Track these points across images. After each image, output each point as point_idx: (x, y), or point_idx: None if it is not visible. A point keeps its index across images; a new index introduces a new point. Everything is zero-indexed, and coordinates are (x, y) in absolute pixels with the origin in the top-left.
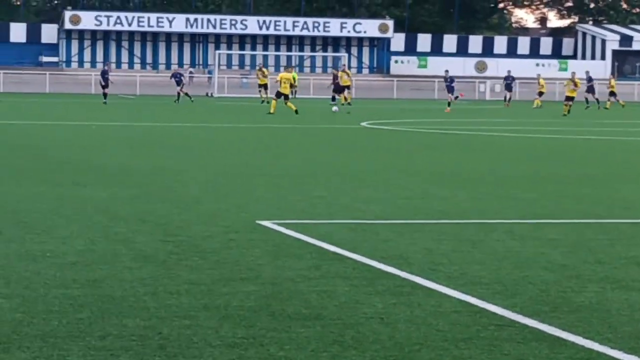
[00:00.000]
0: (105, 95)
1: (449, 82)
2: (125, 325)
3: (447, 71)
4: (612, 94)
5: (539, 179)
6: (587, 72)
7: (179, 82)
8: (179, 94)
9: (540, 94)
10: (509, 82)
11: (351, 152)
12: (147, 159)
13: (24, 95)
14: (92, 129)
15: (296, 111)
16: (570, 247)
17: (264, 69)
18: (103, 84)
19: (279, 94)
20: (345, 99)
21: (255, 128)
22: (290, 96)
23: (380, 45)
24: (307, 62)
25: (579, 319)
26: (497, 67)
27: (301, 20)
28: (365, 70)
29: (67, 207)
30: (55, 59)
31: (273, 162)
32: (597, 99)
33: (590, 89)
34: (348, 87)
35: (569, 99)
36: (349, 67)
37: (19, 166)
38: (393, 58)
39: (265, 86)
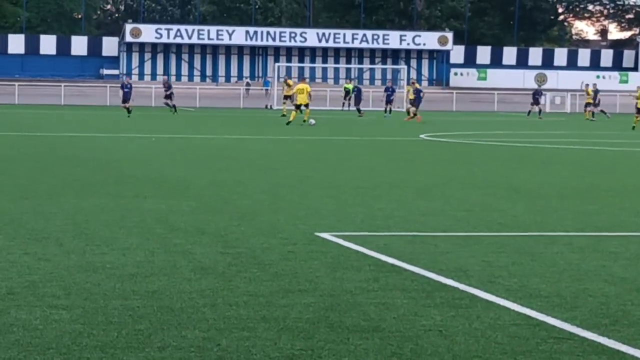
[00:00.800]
0: (129, 110)
1: (390, 92)
2: (185, 337)
3: (390, 80)
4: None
5: (599, 191)
6: (595, 85)
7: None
8: (167, 104)
9: (588, 104)
10: (537, 96)
11: (410, 164)
12: (206, 171)
13: (85, 108)
14: (152, 141)
15: (288, 123)
16: (631, 259)
17: (289, 80)
18: (124, 97)
19: (297, 106)
20: (408, 112)
21: (314, 140)
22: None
23: (439, 57)
24: (366, 75)
25: (639, 332)
26: (557, 79)
27: (360, 32)
28: (425, 83)
29: (127, 219)
30: (115, 72)
31: (332, 174)
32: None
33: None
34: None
35: None
36: (408, 80)
37: (81, 178)
38: (452, 70)
39: (290, 98)
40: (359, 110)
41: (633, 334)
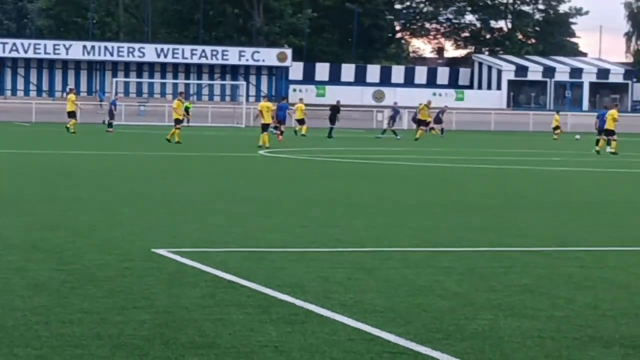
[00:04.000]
0: None
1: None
2: (16, 355)
3: (283, 98)
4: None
5: (434, 207)
6: (445, 107)
7: None
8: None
9: (420, 122)
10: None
11: (248, 181)
12: (42, 187)
13: None
14: None
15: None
16: (464, 275)
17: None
18: None
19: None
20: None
21: (153, 156)
22: (184, 124)
23: (278, 73)
24: (205, 91)
25: (472, 346)
26: (395, 96)
27: (199, 48)
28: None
29: None
30: None
31: (170, 190)
32: (442, 129)
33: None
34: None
35: (610, 132)
36: (247, 96)
37: None
38: (291, 87)
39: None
40: (109, 125)
41: (466, 348)
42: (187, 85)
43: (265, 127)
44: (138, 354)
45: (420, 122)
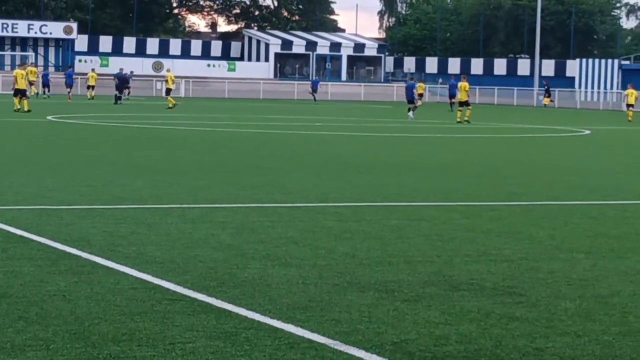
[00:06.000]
0: None
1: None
2: None
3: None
4: None
5: (210, 168)
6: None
7: None
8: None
9: (168, 91)
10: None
11: (38, 144)
12: None
13: None
14: None
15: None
16: (237, 228)
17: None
18: None
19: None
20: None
21: None
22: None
23: (65, 45)
24: None
25: (243, 292)
26: (173, 67)
27: None
28: (52, 69)
29: None
30: None
31: None
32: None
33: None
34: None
35: (463, 103)
36: (36, 66)
37: None
38: (77, 57)
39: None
40: None
41: (237, 295)
42: None
43: (18, 92)
44: None
45: (167, 92)
